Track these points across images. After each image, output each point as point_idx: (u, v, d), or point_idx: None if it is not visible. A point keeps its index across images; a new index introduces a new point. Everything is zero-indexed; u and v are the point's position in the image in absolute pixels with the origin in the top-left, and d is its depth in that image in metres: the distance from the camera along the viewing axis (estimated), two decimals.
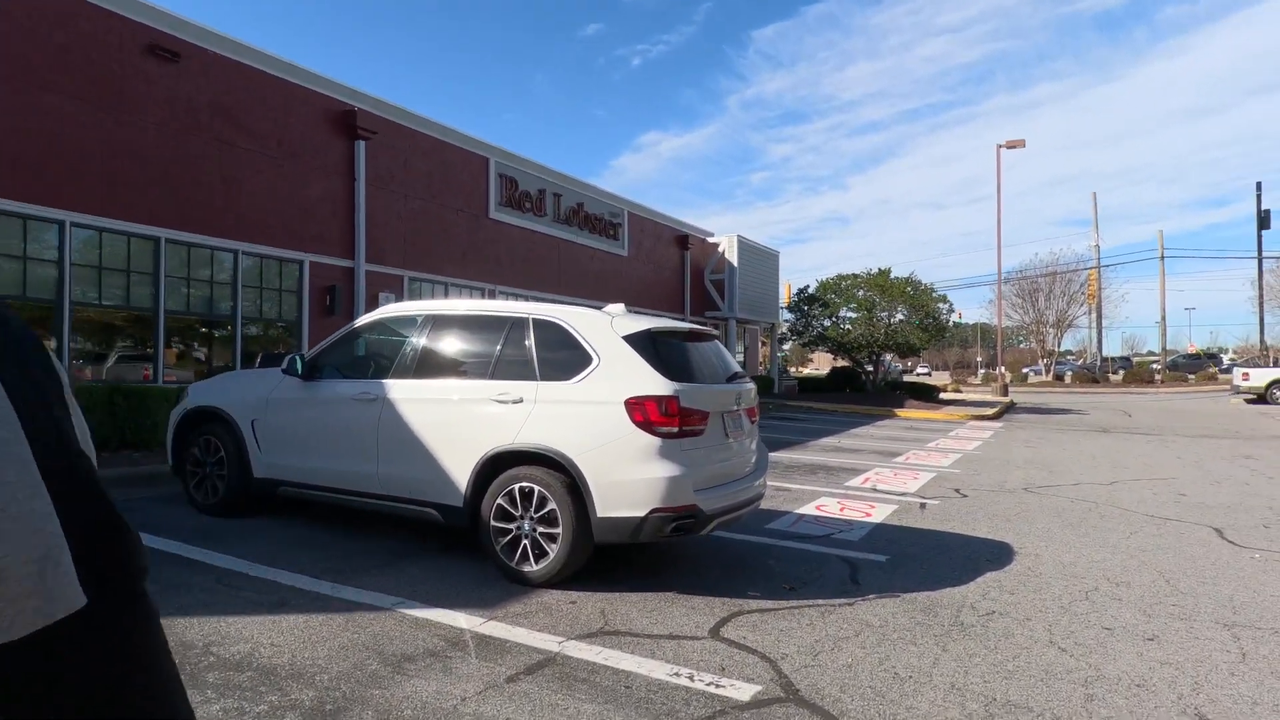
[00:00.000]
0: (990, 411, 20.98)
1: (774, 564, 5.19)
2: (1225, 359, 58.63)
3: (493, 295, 14.56)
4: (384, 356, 5.36)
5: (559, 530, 4.38)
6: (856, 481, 8.88)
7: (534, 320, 4.82)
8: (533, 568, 4.44)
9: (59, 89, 8.36)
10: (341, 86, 11.53)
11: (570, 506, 4.35)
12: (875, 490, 8.32)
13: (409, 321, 5.33)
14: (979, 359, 73.64)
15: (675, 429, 4.35)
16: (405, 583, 4.43)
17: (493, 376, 4.79)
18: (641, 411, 4.32)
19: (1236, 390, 28.03)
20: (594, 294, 17.67)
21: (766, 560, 5.28)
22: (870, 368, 25.61)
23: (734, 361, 5.40)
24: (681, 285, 22.15)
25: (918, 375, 55.63)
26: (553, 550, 4.41)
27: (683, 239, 22.00)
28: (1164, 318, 44.39)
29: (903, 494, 8.14)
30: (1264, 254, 40.75)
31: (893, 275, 24.27)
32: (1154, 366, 45.16)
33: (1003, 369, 30.20)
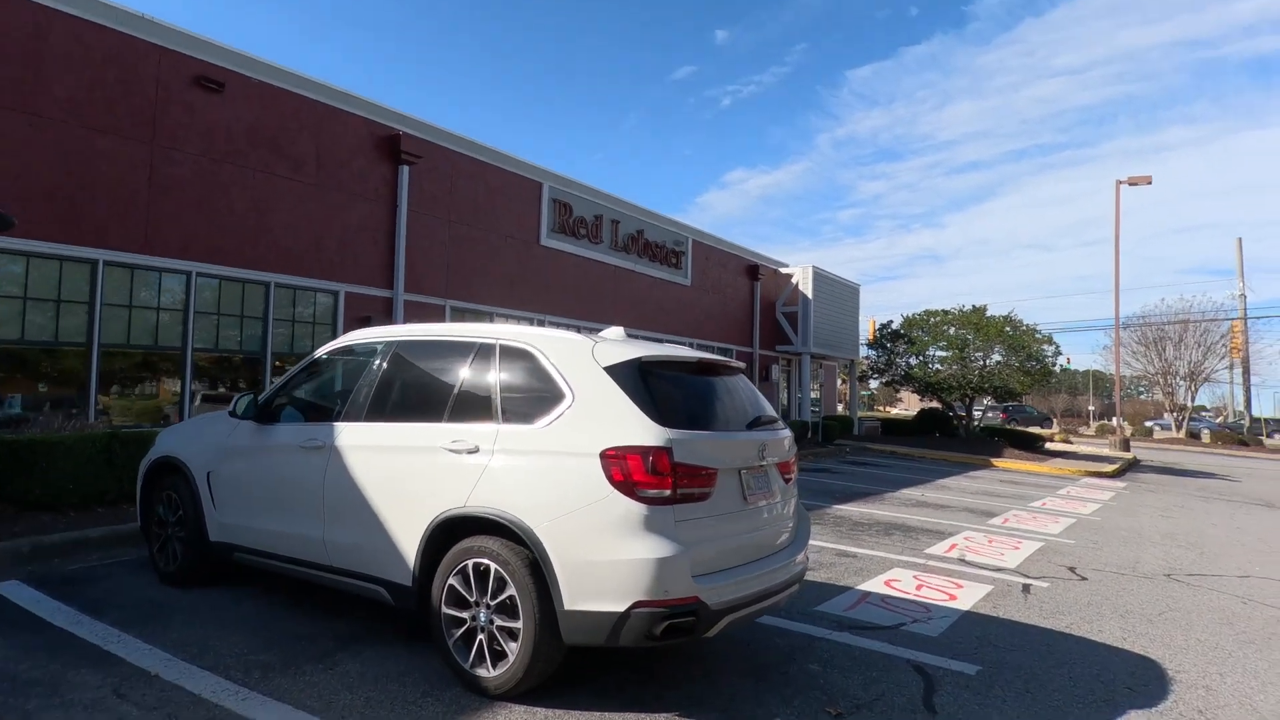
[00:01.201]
0: (1109, 469, 18.41)
1: (818, 670, 3.90)
2: None
3: (541, 325, 13.81)
4: (341, 394, 4.48)
5: (519, 625, 3.30)
6: (940, 548, 7.35)
7: (501, 346, 3.82)
8: (489, 673, 3.36)
9: (104, 127, 8.24)
10: (385, 110, 11.17)
11: (533, 594, 3.27)
12: (964, 562, 6.79)
13: (369, 350, 4.44)
14: (1091, 408, 67.59)
15: (667, 491, 3.22)
16: (334, 688, 3.44)
17: (449, 418, 3.80)
18: (621, 468, 3.21)
19: None
20: (652, 325, 16.68)
21: (809, 664, 4.00)
22: (963, 411, 23.34)
23: (764, 402, 4.22)
24: (750, 317, 20.87)
25: (1022, 421, 51.44)
26: (512, 651, 3.32)
27: (752, 269, 20.79)
28: None
29: (999, 569, 6.59)
30: None
31: (989, 314, 22.16)
32: None
33: (1121, 419, 27.04)
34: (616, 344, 3.68)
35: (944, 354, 22.23)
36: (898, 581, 5.89)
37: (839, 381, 28.82)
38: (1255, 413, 45.44)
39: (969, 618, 5.01)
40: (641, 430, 3.27)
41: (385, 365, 4.25)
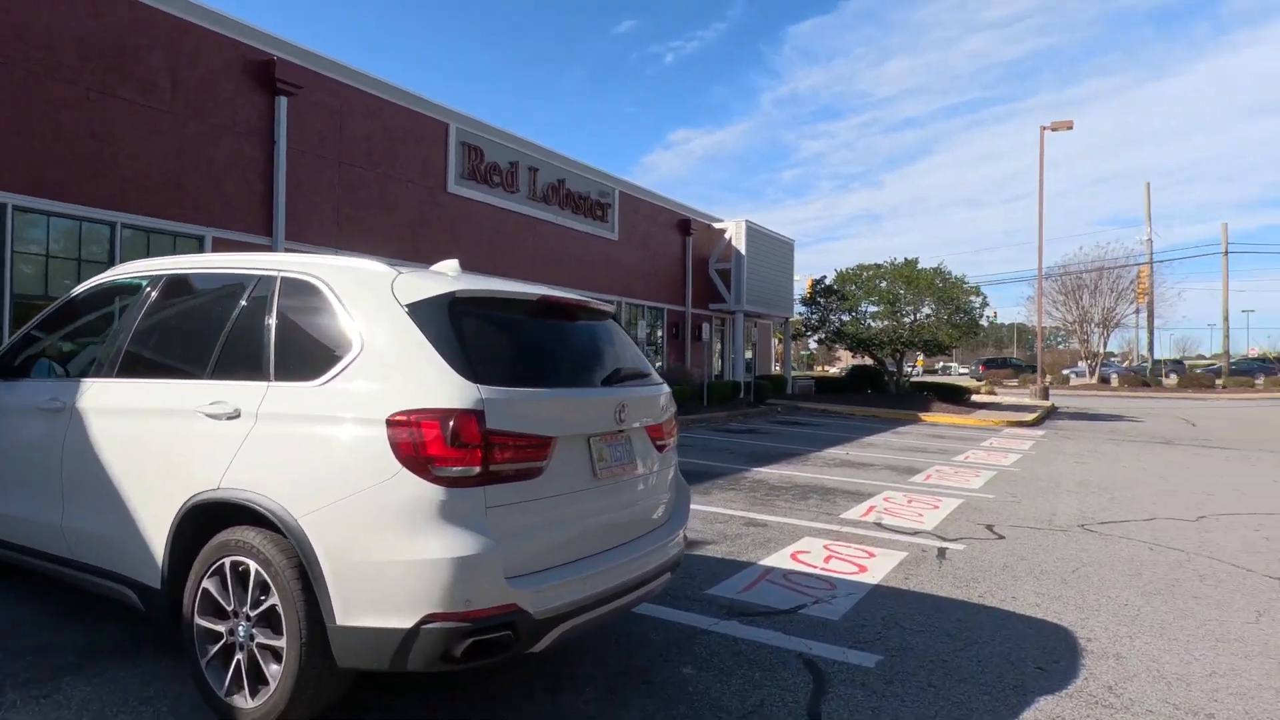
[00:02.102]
0: (1029, 418, 18.65)
1: (691, 675, 3.25)
2: None
3: None
4: (96, 343, 3.54)
5: (283, 643, 2.51)
6: (857, 511, 6.86)
7: (283, 280, 2.94)
8: (247, 703, 2.58)
9: None
10: (257, 32, 9.75)
11: (299, 603, 2.48)
12: (880, 526, 6.31)
13: (133, 287, 3.49)
14: (1015, 359, 70.10)
15: (475, 469, 2.45)
16: None
17: (213, 374, 2.93)
18: (412, 438, 2.42)
19: None
20: (576, 281, 15.78)
21: (682, 667, 3.34)
22: (893, 367, 23.35)
23: (633, 353, 3.48)
24: (682, 274, 20.13)
25: (955, 376, 52.78)
26: (274, 676, 2.53)
27: (684, 224, 19.99)
28: (1227, 317, 41.17)
29: (916, 531, 6.12)
30: None
31: (920, 266, 22.03)
32: (1215, 369, 41.88)
33: (1042, 369, 27.65)
34: (428, 277, 2.85)
35: (876, 309, 22.06)
36: (805, 553, 5.33)
37: (774, 340, 28.55)
38: (1157, 355, 48.01)
39: (877, 594, 4.46)
40: (442, 387, 2.47)
41: (147, 307, 3.31)
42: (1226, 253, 40.24)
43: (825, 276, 23.60)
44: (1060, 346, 64.60)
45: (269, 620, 2.57)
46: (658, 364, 19.49)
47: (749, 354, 23.76)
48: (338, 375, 2.62)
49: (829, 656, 3.47)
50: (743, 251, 21.02)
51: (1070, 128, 24.07)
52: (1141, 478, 9.51)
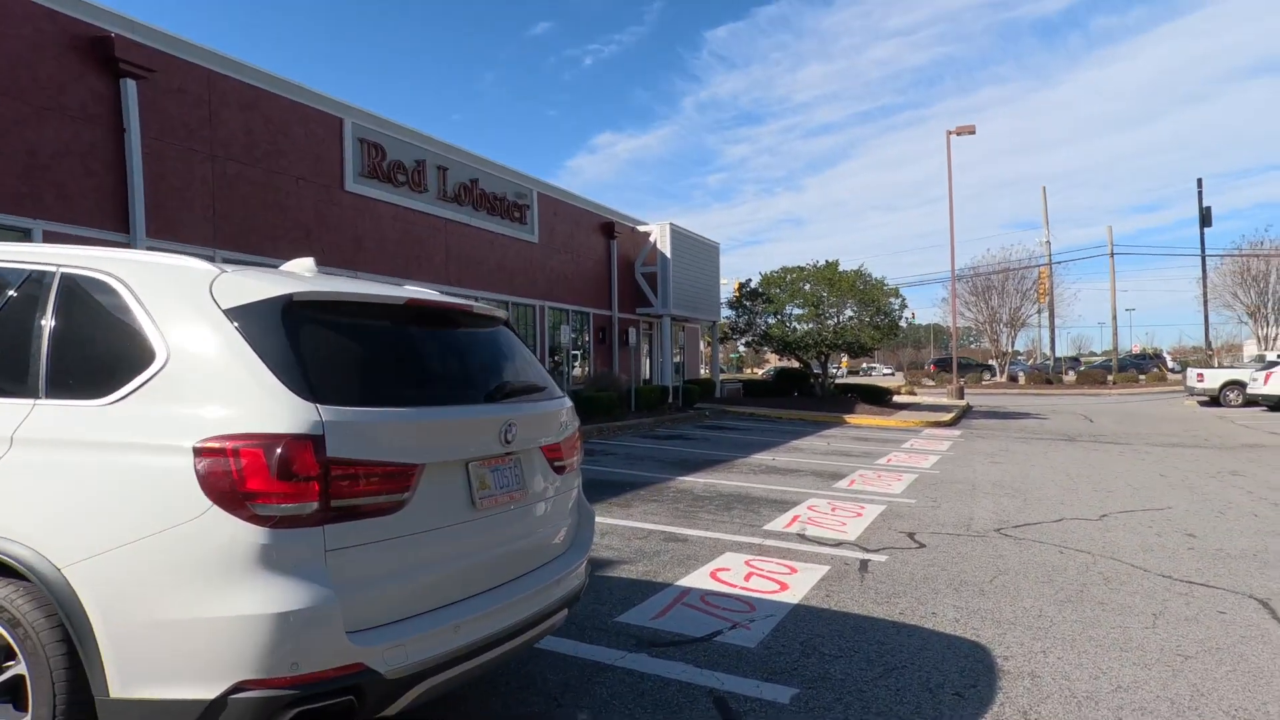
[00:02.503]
0: (946, 418, 19.18)
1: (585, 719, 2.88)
2: (1169, 359, 58.98)
3: None
4: None
5: None
6: (781, 522, 6.66)
7: (64, 276, 2.41)
8: None
9: None
10: (86, 4, 8.64)
11: (59, 670, 1.99)
12: (804, 538, 6.11)
13: None
14: (933, 359, 73.08)
15: (312, 505, 2.01)
16: None
17: None
18: (228, 468, 1.96)
19: (1191, 392, 26.98)
20: (492, 285, 15.22)
21: (578, 712, 2.97)
22: (819, 369, 23.69)
23: (525, 363, 3.08)
24: (607, 278, 19.79)
25: (880, 377, 54.42)
26: None
27: (608, 226, 19.66)
28: (1115, 316, 43.78)
29: (840, 542, 5.95)
30: (1206, 252, 40.24)
31: (841, 268, 22.42)
32: (1107, 364, 44.63)
33: (956, 369, 28.68)
34: (261, 277, 2.39)
35: (800, 311, 22.31)
36: (726, 571, 5.05)
37: (702, 344, 28.59)
38: (1059, 353, 50.97)
39: (797, 614, 4.21)
40: (269, 407, 2.03)
41: None
42: (1113, 254, 42.88)
43: (751, 280, 23.75)
44: (973, 345, 67.71)
45: (13, 693, 2.06)
46: (584, 369, 19.08)
47: (677, 358, 23.63)
48: (133, 393, 2.13)
49: (741, 692, 3.17)
50: (668, 254, 20.86)
51: (973, 132, 25.14)
52: (1050, 477, 9.73)
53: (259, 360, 2.09)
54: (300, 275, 2.59)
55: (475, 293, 14.69)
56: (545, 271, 17.08)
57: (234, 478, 1.96)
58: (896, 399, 25.26)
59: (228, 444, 1.98)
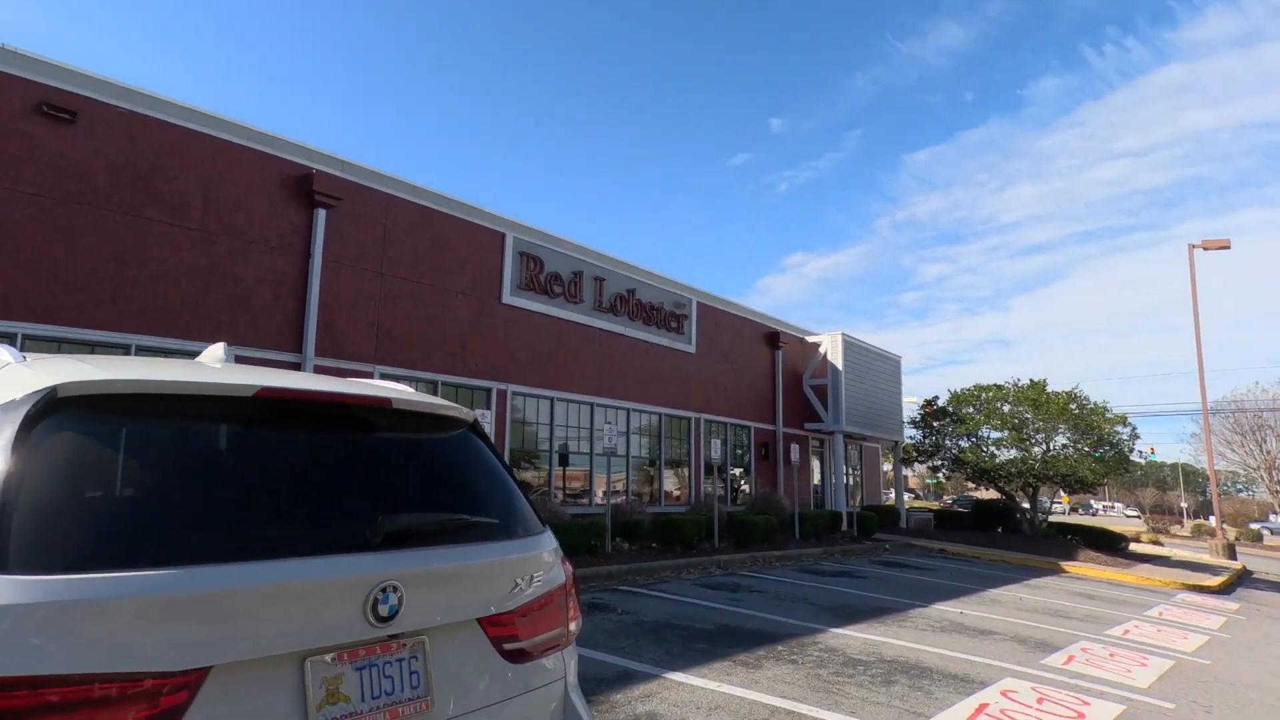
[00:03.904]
0: (1213, 581, 14.98)
1: None
2: None
3: (503, 397, 11.96)
4: None
5: None
6: (959, 715, 4.88)
7: None
8: None
9: None
10: (295, 146, 9.78)
11: None
12: None
13: None
14: (1184, 504, 60.63)
15: None
16: None
17: None
18: None
19: None
20: (647, 396, 14.68)
21: None
22: (1026, 503, 20.15)
23: (475, 482, 2.12)
24: (771, 390, 18.57)
25: (1110, 518, 46.20)
26: None
27: (772, 336, 18.66)
28: None
29: None
30: None
31: (1050, 389, 19.34)
32: None
33: (1221, 520, 23.10)
34: (50, 366, 1.67)
35: (999, 435, 19.36)
36: None
37: (885, 466, 25.85)
38: None
39: None
40: None
41: None
42: None
43: (938, 397, 21.26)
44: (1242, 494, 55.45)
45: None
46: (744, 488, 17.67)
47: (850, 480, 21.36)
48: None
49: None
50: (840, 367, 19.29)
51: (1227, 246, 21.59)
52: None
53: None
54: (209, 363, 1.95)
55: (627, 404, 14.24)
56: (703, 382, 16.34)
57: None
58: (1135, 548, 20.67)
59: None
